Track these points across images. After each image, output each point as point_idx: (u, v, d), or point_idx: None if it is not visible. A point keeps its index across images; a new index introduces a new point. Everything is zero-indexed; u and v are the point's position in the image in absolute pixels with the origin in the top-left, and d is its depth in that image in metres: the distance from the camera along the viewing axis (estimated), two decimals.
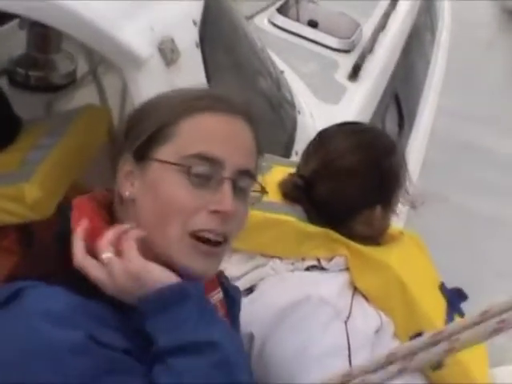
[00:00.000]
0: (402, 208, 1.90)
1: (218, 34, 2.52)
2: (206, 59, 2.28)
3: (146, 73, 2.05)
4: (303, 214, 1.81)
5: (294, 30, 4.04)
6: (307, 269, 1.77)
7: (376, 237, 1.84)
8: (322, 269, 1.76)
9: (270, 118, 2.79)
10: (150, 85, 1.99)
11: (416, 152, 4.30)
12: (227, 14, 2.70)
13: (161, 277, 1.27)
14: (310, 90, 3.43)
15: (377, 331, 1.70)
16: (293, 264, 1.78)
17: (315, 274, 1.76)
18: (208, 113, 1.36)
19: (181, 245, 1.32)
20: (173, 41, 2.11)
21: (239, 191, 1.36)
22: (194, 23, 2.26)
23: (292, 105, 3.06)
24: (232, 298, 1.54)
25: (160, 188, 1.33)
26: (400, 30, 4.44)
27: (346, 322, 1.67)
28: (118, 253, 1.28)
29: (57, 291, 1.25)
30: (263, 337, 1.68)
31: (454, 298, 1.87)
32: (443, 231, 4.99)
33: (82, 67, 3.14)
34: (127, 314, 1.28)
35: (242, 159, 1.37)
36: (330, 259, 1.76)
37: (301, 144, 2.56)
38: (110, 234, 1.30)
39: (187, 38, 2.21)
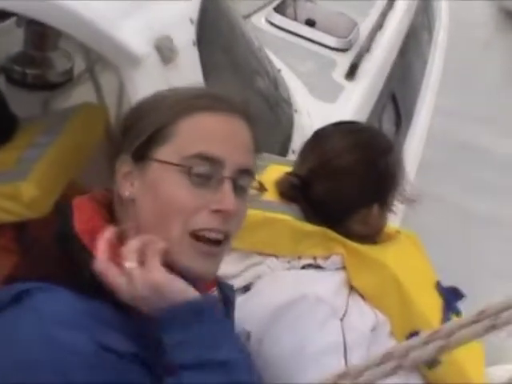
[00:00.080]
0: (398, 206, 1.90)
1: (216, 33, 2.52)
2: (203, 58, 2.28)
3: (142, 71, 2.05)
4: (300, 213, 1.81)
5: (291, 28, 4.04)
6: (303, 267, 1.77)
7: (373, 236, 1.85)
8: (319, 267, 1.76)
9: (267, 117, 2.79)
10: (147, 83, 1.99)
11: (413, 151, 4.30)
12: (225, 12, 2.70)
13: (182, 291, 1.27)
14: (307, 89, 3.43)
15: (373, 330, 1.70)
16: (289, 262, 1.78)
17: (311, 273, 1.76)
18: (207, 112, 1.36)
19: (181, 245, 1.32)
20: (170, 39, 2.11)
21: (239, 190, 1.36)
22: (191, 22, 2.26)
23: (289, 103, 3.06)
24: (226, 297, 1.54)
25: (160, 188, 1.33)
26: (397, 29, 4.44)
27: (342, 321, 1.67)
28: (141, 262, 1.28)
29: (65, 295, 1.24)
30: (260, 335, 1.68)
31: (451, 297, 1.87)
32: (440, 231, 4.99)
33: (79, 65, 3.14)
34: (130, 315, 1.28)
35: (242, 158, 1.37)
36: (327, 258, 1.76)
37: (297, 143, 2.56)
38: (135, 243, 1.29)
39: (184, 37, 2.21)
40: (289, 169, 1.89)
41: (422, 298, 1.80)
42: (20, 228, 2.08)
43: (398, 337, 1.74)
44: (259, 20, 4.07)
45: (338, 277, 1.75)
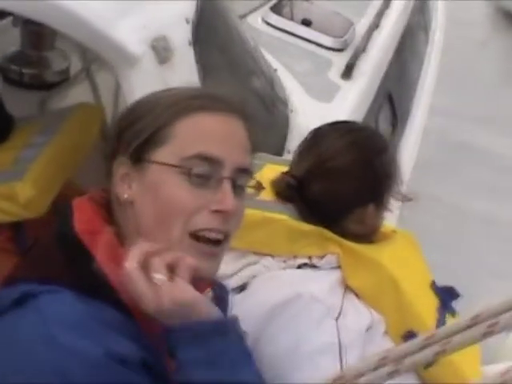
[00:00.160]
0: (394, 205, 1.91)
1: (212, 33, 2.52)
2: (199, 58, 2.28)
3: (138, 71, 2.05)
4: (296, 213, 1.81)
5: (287, 28, 4.04)
6: (299, 267, 1.77)
7: (369, 235, 1.85)
8: (314, 267, 1.77)
9: (264, 117, 2.79)
10: (143, 83, 1.99)
11: (409, 151, 4.29)
12: (221, 12, 2.70)
13: (206, 311, 1.27)
14: (304, 89, 3.42)
15: (368, 329, 1.70)
16: (285, 262, 1.78)
17: (307, 272, 1.76)
18: (204, 112, 1.36)
19: (181, 246, 1.32)
20: (166, 39, 2.11)
21: (238, 189, 1.36)
22: (187, 21, 2.26)
23: (285, 103, 3.06)
24: (220, 297, 1.54)
25: (160, 190, 1.33)
26: (393, 29, 4.44)
27: (337, 320, 1.67)
28: (169, 276, 1.27)
29: (69, 296, 1.24)
30: (255, 334, 1.67)
31: (446, 297, 1.87)
32: (438, 231, 4.99)
33: (76, 65, 3.14)
34: (130, 315, 1.28)
35: (240, 157, 1.37)
36: (322, 257, 1.77)
37: (293, 142, 2.56)
38: (167, 257, 1.28)
39: (180, 36, 2.21)
40: (285, 168, 1.89)
41: (418, 298, 1.80)
42: (17, 228, 2.08)
43: (393, 336, 1.74)
44: (255, 20, 4.07)
45: (334, 276, 1.75)
